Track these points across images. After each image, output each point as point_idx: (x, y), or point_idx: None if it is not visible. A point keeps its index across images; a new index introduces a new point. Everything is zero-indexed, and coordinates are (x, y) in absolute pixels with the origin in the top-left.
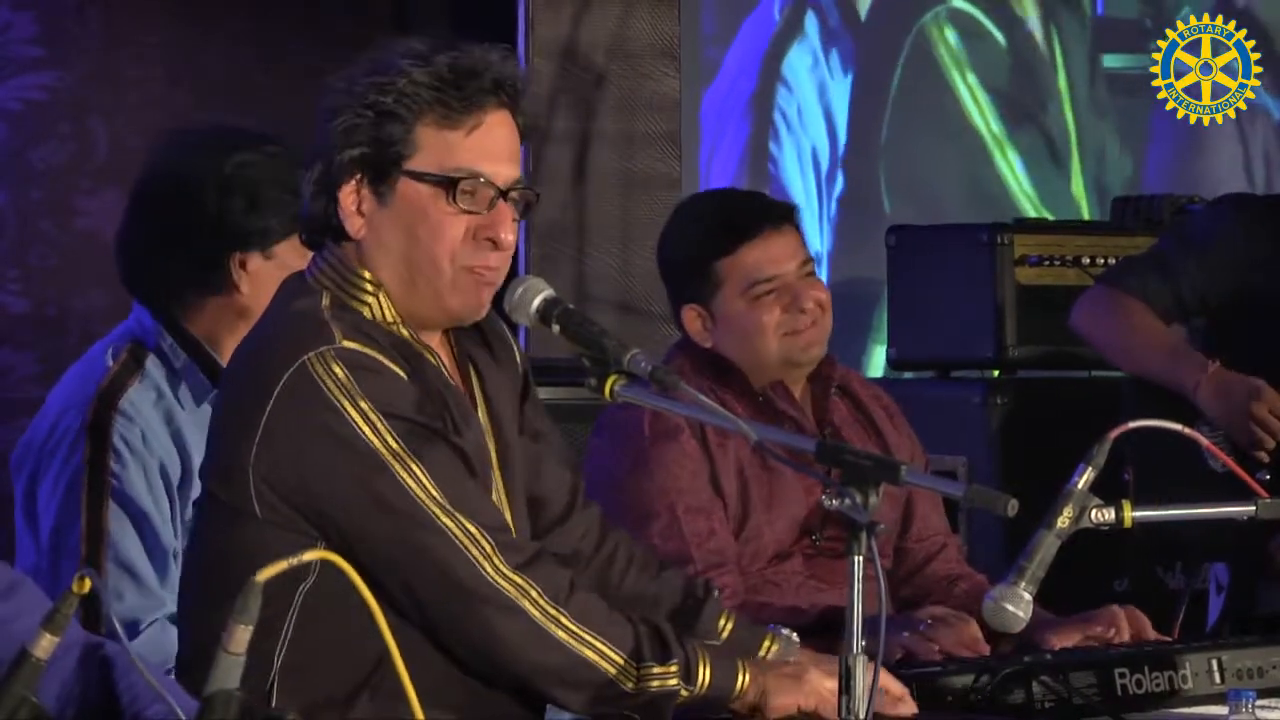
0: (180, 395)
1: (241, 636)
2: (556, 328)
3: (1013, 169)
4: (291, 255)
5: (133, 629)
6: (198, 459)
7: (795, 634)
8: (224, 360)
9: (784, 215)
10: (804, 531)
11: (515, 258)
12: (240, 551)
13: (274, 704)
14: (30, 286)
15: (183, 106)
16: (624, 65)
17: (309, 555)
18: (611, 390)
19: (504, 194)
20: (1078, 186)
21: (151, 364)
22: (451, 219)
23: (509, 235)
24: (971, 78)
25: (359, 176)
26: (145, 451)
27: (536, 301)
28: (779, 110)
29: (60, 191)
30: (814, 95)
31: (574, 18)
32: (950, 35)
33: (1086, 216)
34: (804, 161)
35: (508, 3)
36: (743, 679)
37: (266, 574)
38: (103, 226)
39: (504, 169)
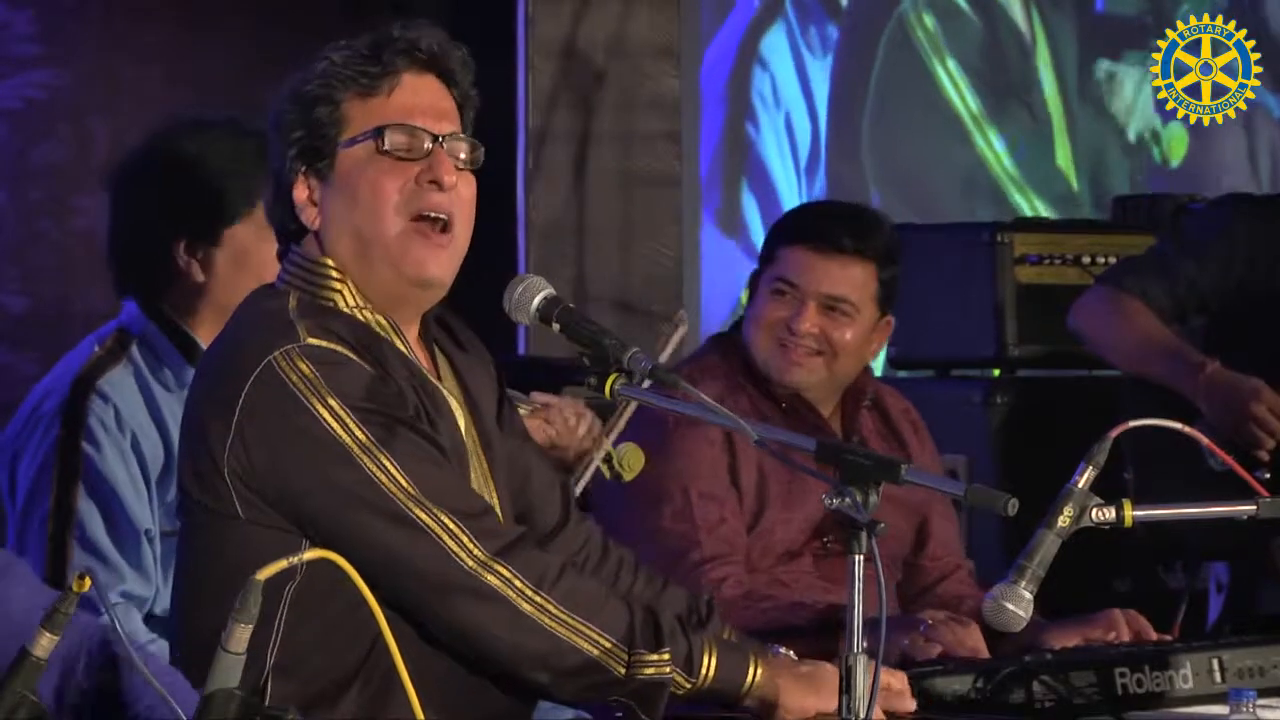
0: (163, 379)
1: (241, 635)
2: (556, 327)
3: (993, 147)
4: (248, 239)
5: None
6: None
7: (793, 652)
8: (202, 342)
9: (855, 248)
10: (816, 533)
11: (514, 256)
12: (227, 551)
13: (268, 701)
14: (30, 286)
15: (181, 105)
16: (623, 64)
17: (309, 555)
18: (612, 389)
19: (440, 141)
20: (1064, 158)
21: (135, 349)
22: (389, 171)
23: (450, 176)
24: (951, 62)
25: (303, 169)
26: (119, 431)
27: (536, 300)
28: (755, 91)
29: (60, 191)
30: (791, 71)
31: (573, 17)
32: (928, 20)
33: (1075, 189)
34: (780, 137)
35: (507, 2)
36: (753, 673)
37: (267, 573)
38: (102, 226)
39: (433, 122)
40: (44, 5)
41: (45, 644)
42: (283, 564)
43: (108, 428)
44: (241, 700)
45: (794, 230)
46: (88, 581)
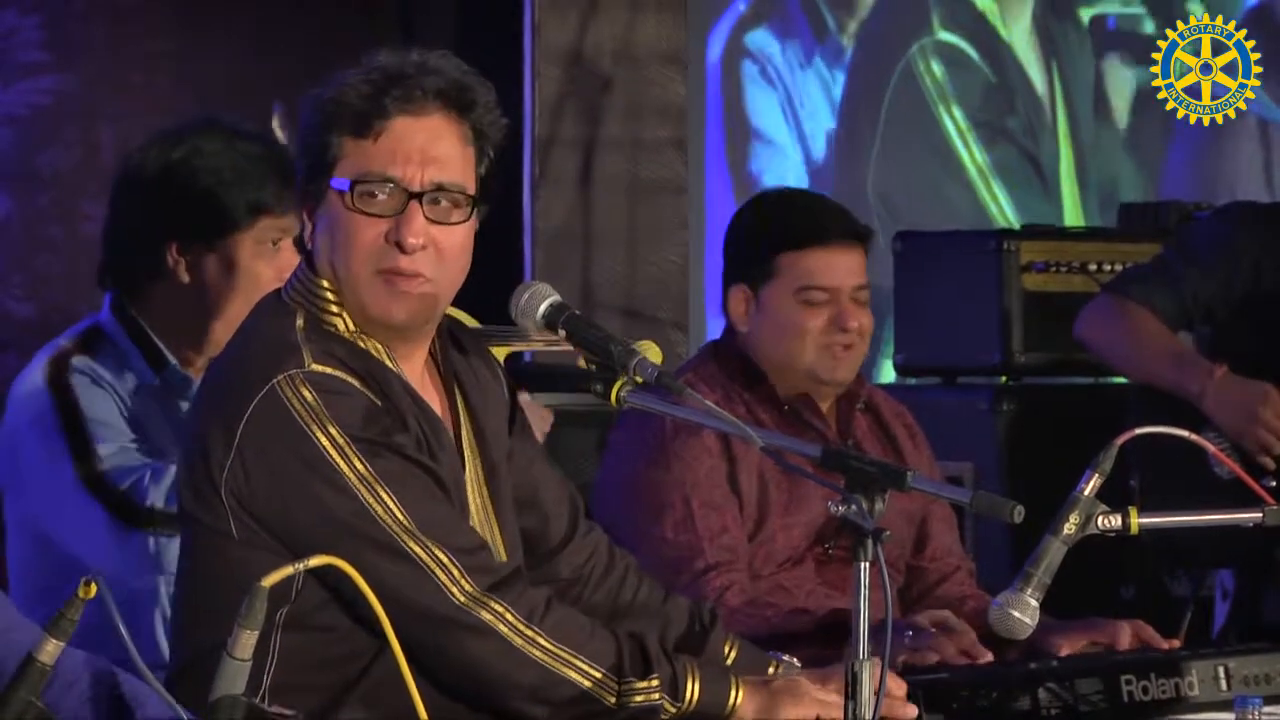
0: (125, 380)
1: (247, 641)
2: (563, 333)
3: (997, 199)
4: (242, 253)
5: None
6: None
7: (797, 660)
8: (169, 350)
9: (860, 234)
10: (818, 539)
11: (520, 263)
12: (221, 569)
13: None
14: (36, 291)
15: (188, 111)
16: (630, 71)
17: (315, 561)
18: (618, 396)
19: (417, 197)
20: (1072, 216)
21: (106, 350)
22: (360, 225)
23: (415, 238)
24: (958, 111)
25: (307, 188)
26: (100, 387)
27: (543, 307)
28: (767, 98)
29: (66, 196)
30: (805, 83)
31: (580, 23)
32: (936, 67)
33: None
34: (792, 147)
35: (514, 8)
36: (735, 694)
37: (272, 579)
38: None
39: (418, 171)
40: (52, 11)
41: (51, 650)
42: (288, 570)
43: (95, 380)
44: (247, 705)
45: (801, 233)
46: (94, 588)
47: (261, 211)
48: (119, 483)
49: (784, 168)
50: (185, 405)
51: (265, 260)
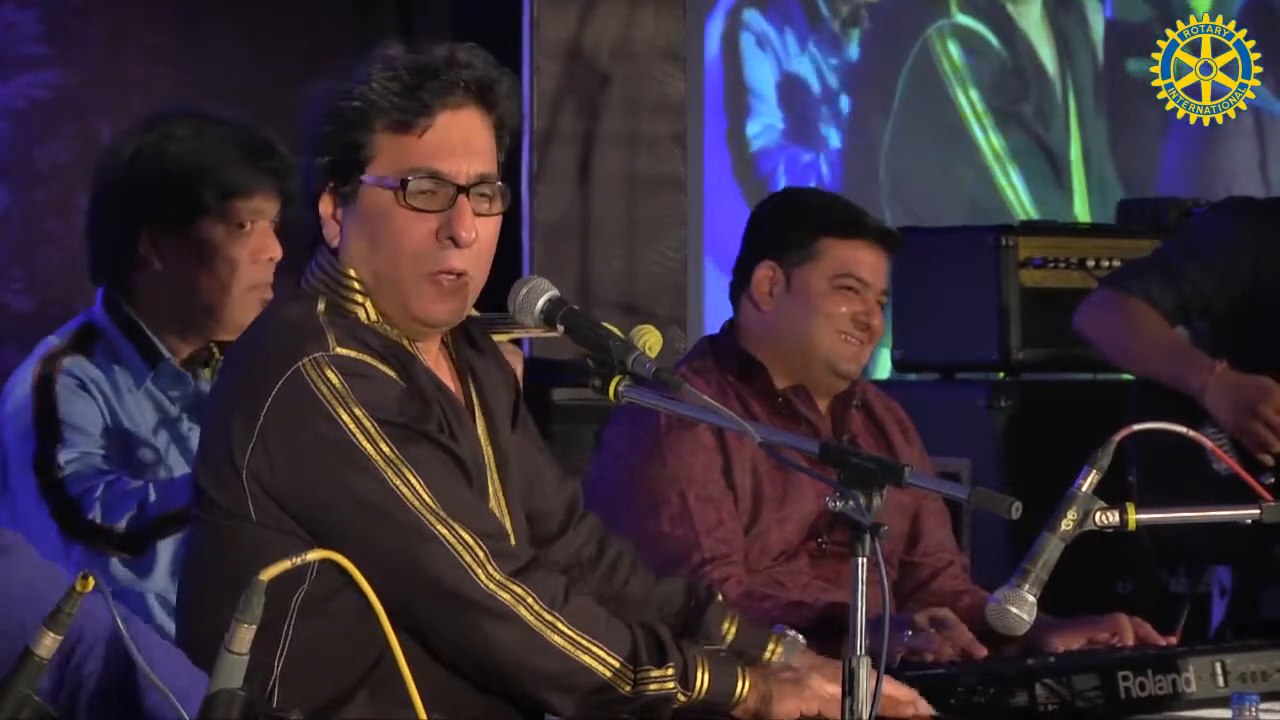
0: (119, 378)
1: (245, 635)
2: (561, 328)
3: (1014, 186)
4: (216, 237)
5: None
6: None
7: (800, 635)
8: (160, 340)
9: (894, 242)
10: (812, 533)
11: (519, 258)
12: (236, 553)
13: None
14: (34, 286)
15: None
16: (629, 66)
17: (313, 555)
18: (616, 391)
19: (465, 190)
20: (1080, 204)
21: (99, 346)
22: (410, 221)
23: (469, 233)
24: (973, 92)
25: (331, 184)
26: (86, 392)
27: (541, 302)
28: (766, 93)
29: (64, 191)
30: (811, 75)
31: (579, 19)
32: (953, 49)
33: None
34: (795, 142)
35: (513, 4)
36: (742, 684)
37: (270, 573)
38: None
39: (464, 165)
40: (50, 5)
41: (49, 644)
42: (286, 564)
43: (82, 384)
44: (244, 700)
45: (850, 225)
46: (90, 581)
47: (231, 195)
48: (70, 489)
49: (791, 155)
50: (176, 398)
51: (237, 243)
